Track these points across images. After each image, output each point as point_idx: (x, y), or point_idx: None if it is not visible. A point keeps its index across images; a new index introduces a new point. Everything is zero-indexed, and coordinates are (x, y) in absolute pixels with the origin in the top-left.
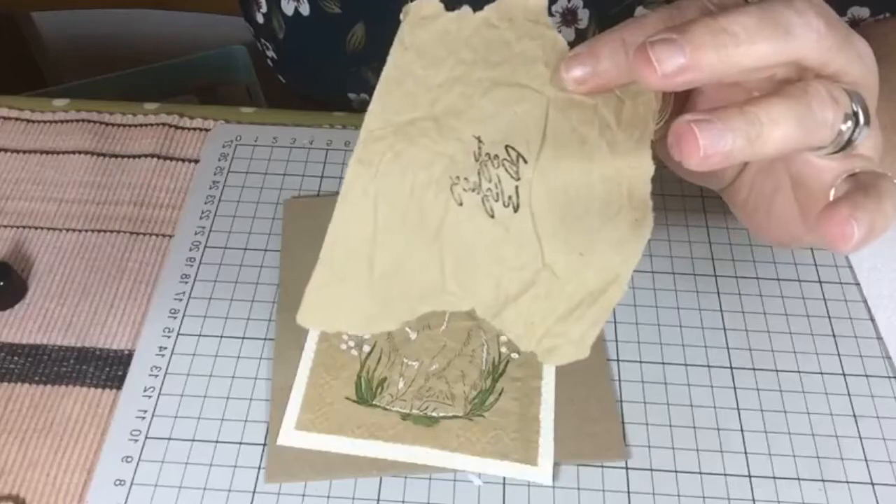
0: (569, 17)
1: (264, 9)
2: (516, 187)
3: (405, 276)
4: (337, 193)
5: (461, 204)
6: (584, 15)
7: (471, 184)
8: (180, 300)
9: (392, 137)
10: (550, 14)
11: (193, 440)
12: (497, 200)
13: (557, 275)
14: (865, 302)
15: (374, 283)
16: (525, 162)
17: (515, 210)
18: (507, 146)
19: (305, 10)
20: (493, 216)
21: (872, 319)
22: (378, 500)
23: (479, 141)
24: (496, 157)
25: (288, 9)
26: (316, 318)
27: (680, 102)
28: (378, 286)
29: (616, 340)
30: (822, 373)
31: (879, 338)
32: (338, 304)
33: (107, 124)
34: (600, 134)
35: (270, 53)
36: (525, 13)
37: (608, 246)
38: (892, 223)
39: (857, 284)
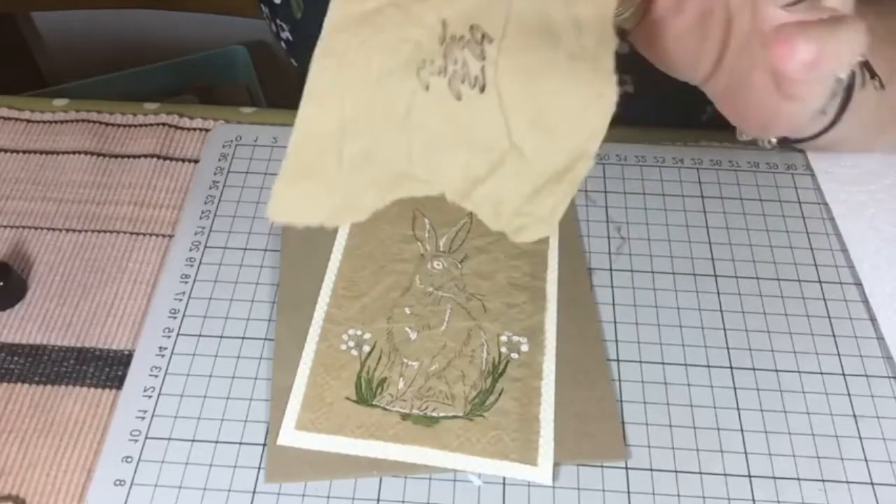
0: None
1: None
2: (482, 67)
3: (374, 164)
4: None
5: (427, 88)
6: None
7: (436, 67)
8: (180, 300)
9: (356, 26)
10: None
11: (193, 440)
12: (463, 82)
13: (525, 154)
14: (865, 302)
15: (343, 174)
16: (490, 41)
17: (482, 90)
18: (471, 26)
19: None
20: (459, 98)
21: (872, 319)
22: (378, 500)
23: (444, 24)
24: (461, 38)
25: None
26: (285, 211)
27: None
28: (347, 177)
29: (616, 340)
30: (822, 373)
31: (880, 338)
32: (307, 197)
33: (107, 124)
34: (565, 8)
35: (285, 35)
36: None
37: (573, 122)
38: (850, 54)
39: (857, 284)
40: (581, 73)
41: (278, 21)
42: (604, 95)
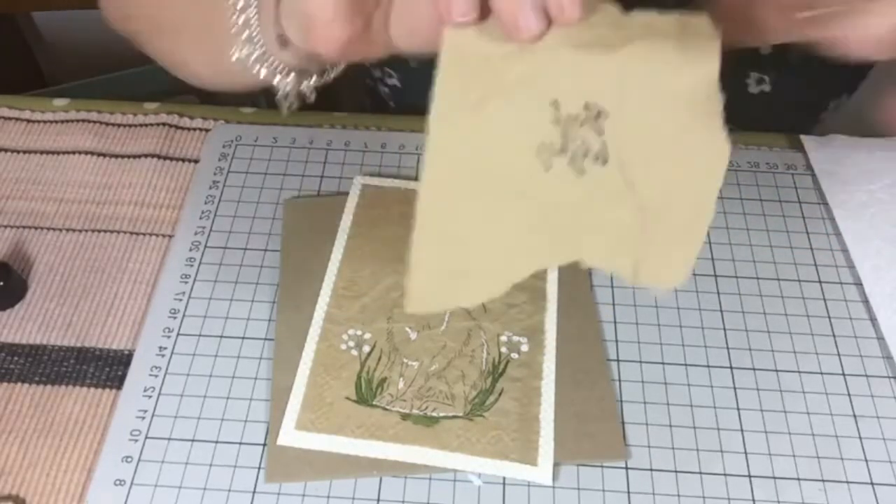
0: None
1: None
2: (603, 142)
3: (509, 250)
4: (337, 194)
5: (549, 168)
6: None
7: (557, 147)
8: (180, 300)
9: (465, 118)
10: None
11: (193, 440)
12: (585, 158)
13: (651, 210)
14: (866, 302)
15: (472, 252)
16: (606, 116)
17: (604, 164)
18: (586, 104)
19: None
20: (582, 174)
21: (872, 320)
22: (378, 500)
23: (556, 103)
24: (577, 116)
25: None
26: (427, 300)
27: None
28: (479, 254)
29: (616, 340)
30: (822, 373)
31: (880, 338)
32: (444, 281)
33: (107, 124)
34: (673, 77)
35: (392, 81)
36: None
37: (693, 178)
38: None
39: (857, 284)
40: (696, 132)
41: (385, 68)
42: (720, 150)
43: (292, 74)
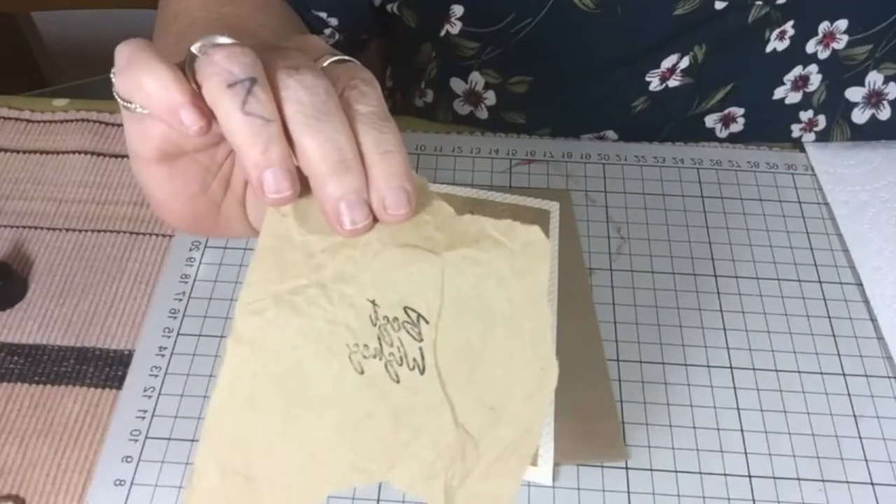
0: (799, 83)
1: (429, 98)
2: (420, 349)
3: (308, 463)
4: None
5: (362, 372)
6: (815, 80)
7: (371, 350)
8: (180, 300)
9: (273, 309)
10: (782, 82)
11: (193, 440)
12: (402, 364)
13: (470, 433)
14: (866, 302)
15: (271, 479)
16: (427, 322)
17: (422, 372)
18: (405, 307)
19: (483, 114)
20: (398, 381)
21: (873, 320)
22: (378, 500)
23: (374, 304)
24: (395, 319)
25: (462, 110)
26: None
27: None
28: (277, 481)
29: (616, 340)
30: (822, 373)
31: (880, 338)
32: (229, 497)
33: (107, 124)
34: (497, 287)
35: (425, 100)
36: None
37: (518, 398)
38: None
39: (858, 285)
40: (521, 349)
41: (422, 86)
42: (546, 371)
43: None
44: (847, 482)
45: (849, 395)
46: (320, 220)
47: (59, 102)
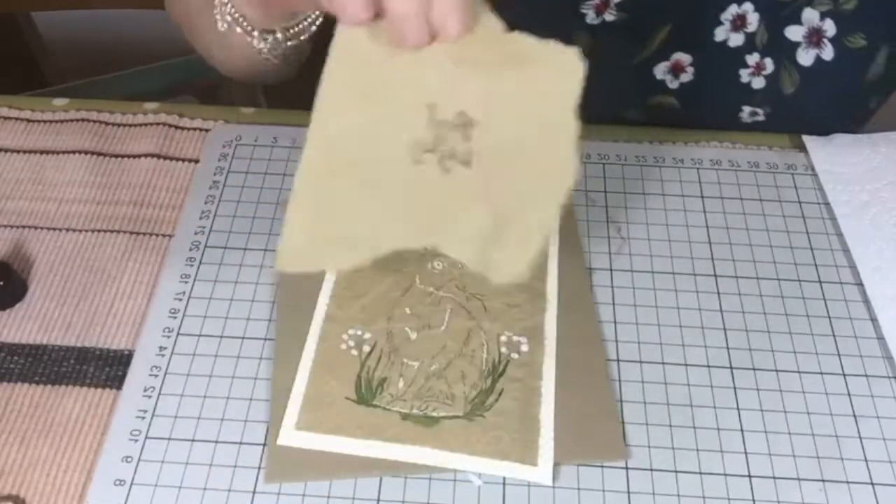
0: (738, 23)
1: None
2: (468, 147)
3: (375, 227)
4: None
5: (419, 163)
6: (753, 19)
7: (428, 145)
8: (180, 300)
9: (347, 106)
10: (720, 22)
11: (193, 440)
12: (451, 159)
13: (504, 212)
14: (866, 302)
15: (342, 223)
16: (473, 126)
17: (468, 166)
18: (459, 112)
19: None
20: (448, 172)
21: (873, 320)
22: (378, 500)
23: (433, 108)
24: (449, 122)
25: None
26: (296, 260)
27: None
28: (348, 226)
29: (616, 340)
30: (822, 373)
31: (880, 338)
32: (313, 245)
33: (107, 124)
34: (535, 101)
35: None
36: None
37: (543, 190)
38: None
39: (858, 285)
40: (550, 154)
41: None
42: (568, 172)
43: (264, 34)
44: (847, 482)
45: (849, 395)
46: (386, 33)
47: (59, 102)
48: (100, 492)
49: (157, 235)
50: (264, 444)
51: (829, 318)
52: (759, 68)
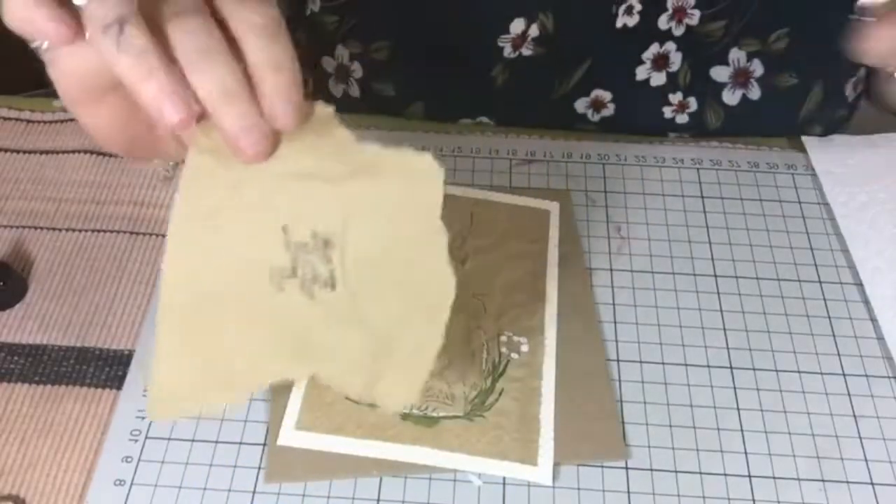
0: (660, 63)
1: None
2: (330, 270)
3: (249, 362)
4: None
5: (282, 290)
6: (676, 58)
7: (288, 271)
8: None
9: (198, 236)
10: (641, 61)
11: (193, 440)
12: (315, 283)
13: (382, 337)
14: (866, 302)
15: (213, 361)
16: (332, 247)
17: (333, 289)
18: (313, 232)
19: (355, 91)
20: (313, 297)
21: (873, 320)
22: (378, 500)
23: (286, 230)
24: (305, 244)
25: (336, 91)
26: (169, 407)
27: None
28: (220, 364)
29: (616, 340)
30: (822, 373)
31: (880, 338)
32: (186, 388)
33: None
34: (394, 212)
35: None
36: (317, 118)
37: (420, 309)
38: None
39: (858, 285)
40: (421, 265)
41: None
42: (445, 285)
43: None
44: (847, 482)
45: (849, 395)
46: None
47: (59, 102)
48: (100, 492)
49: (157, 235)
50: (264, 444)
51: (829, 318)
52: (682, 107)
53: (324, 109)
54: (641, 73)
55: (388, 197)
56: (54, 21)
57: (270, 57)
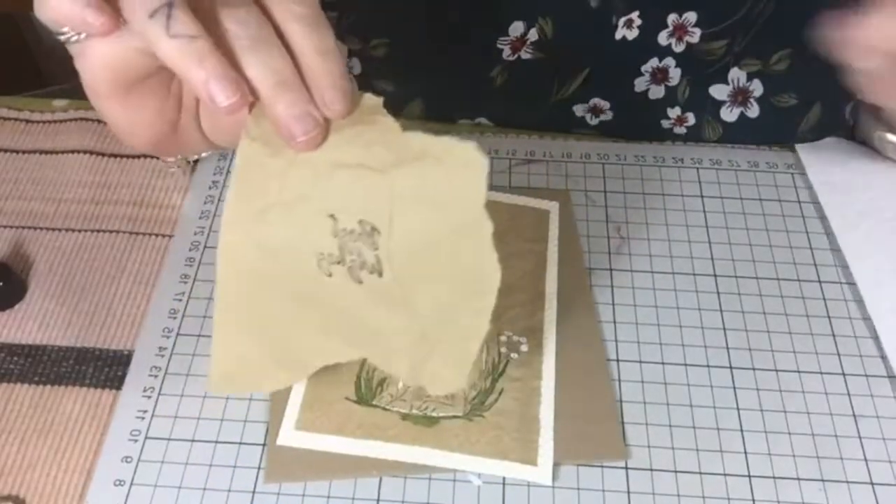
0: (659, 76)
1: None
2: (376, 255)
3: (297, 338)
4: None
5: (330, 275)
6: (675, 74)
7: (335, 257)
8: (180, 300)
9: (249, 225)
10: (640, 73)
11: (193, 440)
12: (362, 269)
13: (428, 322)
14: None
15: (268, 344)
16: (379, 233)
17: (380, 275)
18: (360, 220)
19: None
20: (361, 283)
21: (873, 320)
22: (378, 500)
23: (334, 218)
24: (352, 231)
25: None
26: (228, 383)
27: None
28: (275, 346)
29: (616, 340)
30: (821, 373)
31: (878, 337)
32: (243, 367)
33: (106, 124)
34: (440, 201)
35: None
36: (364, 108)
37: (466, 295)
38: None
39: (857, 285)
40: (466, 254)
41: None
42: (490, 275)
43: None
44: (847, 482)
45: (848, 394)
46: (280, 142)
47: (59, 102)
48: (100, 492)
49: (156, 235)
50: (264, 444)
51: (829, 317)
52: (680, 121)
53: (371, 99)
54: (640, 84)
55: (434, 185)
56: (97, 10)
57: (316, 44)
